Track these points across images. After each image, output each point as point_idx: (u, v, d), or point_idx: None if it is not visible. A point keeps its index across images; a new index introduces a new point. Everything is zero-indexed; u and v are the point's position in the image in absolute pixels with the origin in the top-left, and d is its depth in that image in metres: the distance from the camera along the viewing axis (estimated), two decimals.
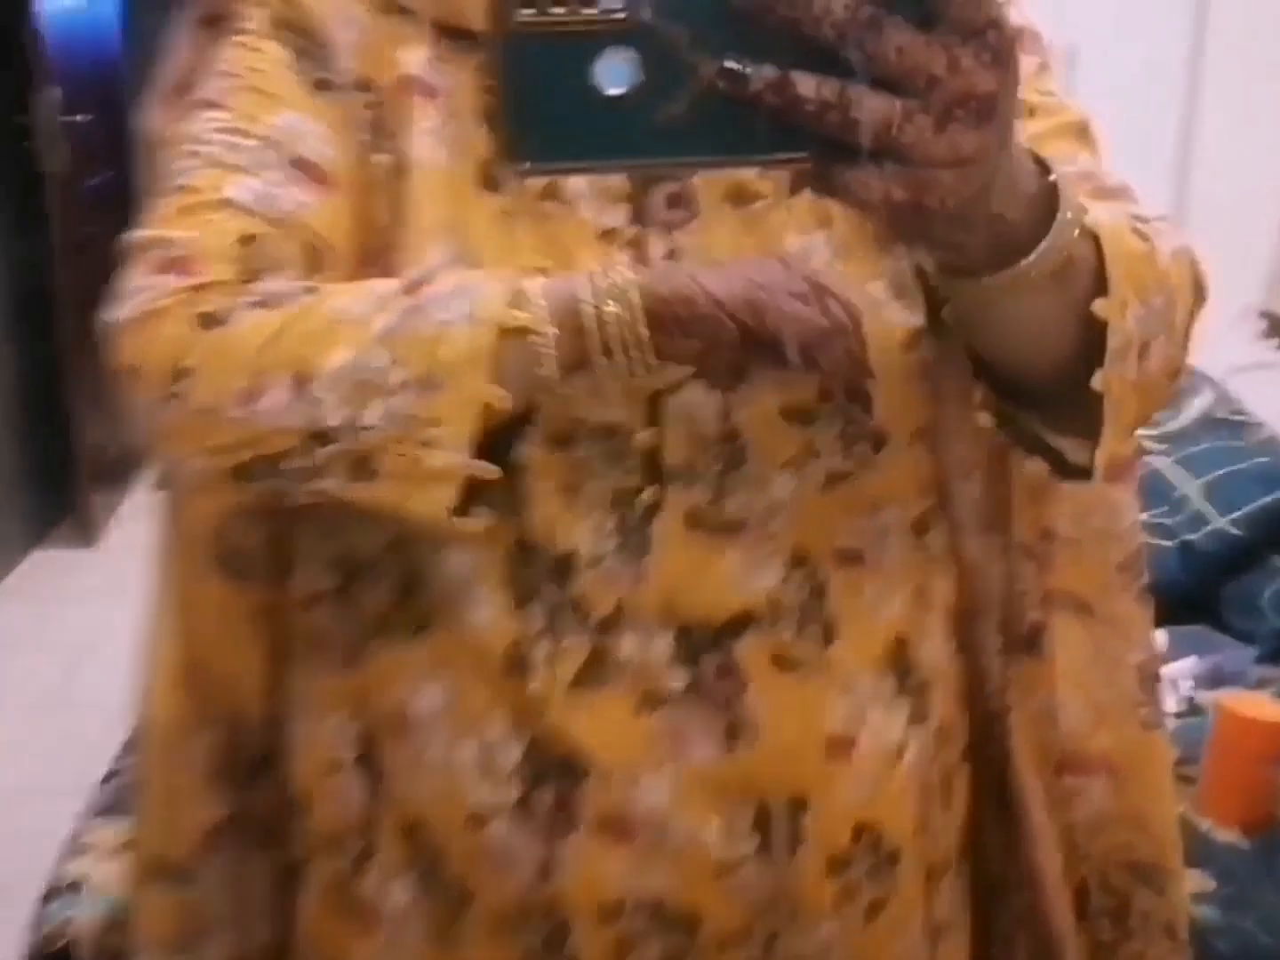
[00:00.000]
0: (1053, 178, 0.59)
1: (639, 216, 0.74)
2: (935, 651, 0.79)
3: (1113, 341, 0.63)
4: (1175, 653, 1.87)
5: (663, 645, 0.73)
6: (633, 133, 0.49)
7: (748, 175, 0.73)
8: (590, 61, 0.49)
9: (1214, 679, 1.89)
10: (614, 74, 0.49)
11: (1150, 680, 0.86)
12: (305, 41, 0.76)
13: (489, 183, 0.74)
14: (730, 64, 0.48)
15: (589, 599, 0.73)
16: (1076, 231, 0.59)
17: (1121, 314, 0.63)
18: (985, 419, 0.73)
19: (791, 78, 0.48)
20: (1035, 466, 0.77)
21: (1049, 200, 0.59)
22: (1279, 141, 2.49)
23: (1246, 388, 2.23)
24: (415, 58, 0.75)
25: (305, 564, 0.81)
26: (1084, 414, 0.65)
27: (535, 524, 0.72)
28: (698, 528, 0.72)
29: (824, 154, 0.51)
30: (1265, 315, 2.38)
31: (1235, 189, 2.56)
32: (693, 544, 0.73)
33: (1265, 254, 2.45)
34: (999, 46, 0.50)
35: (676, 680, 0.73)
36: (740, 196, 0.74)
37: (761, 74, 0.48)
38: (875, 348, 0.69)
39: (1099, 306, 0.63)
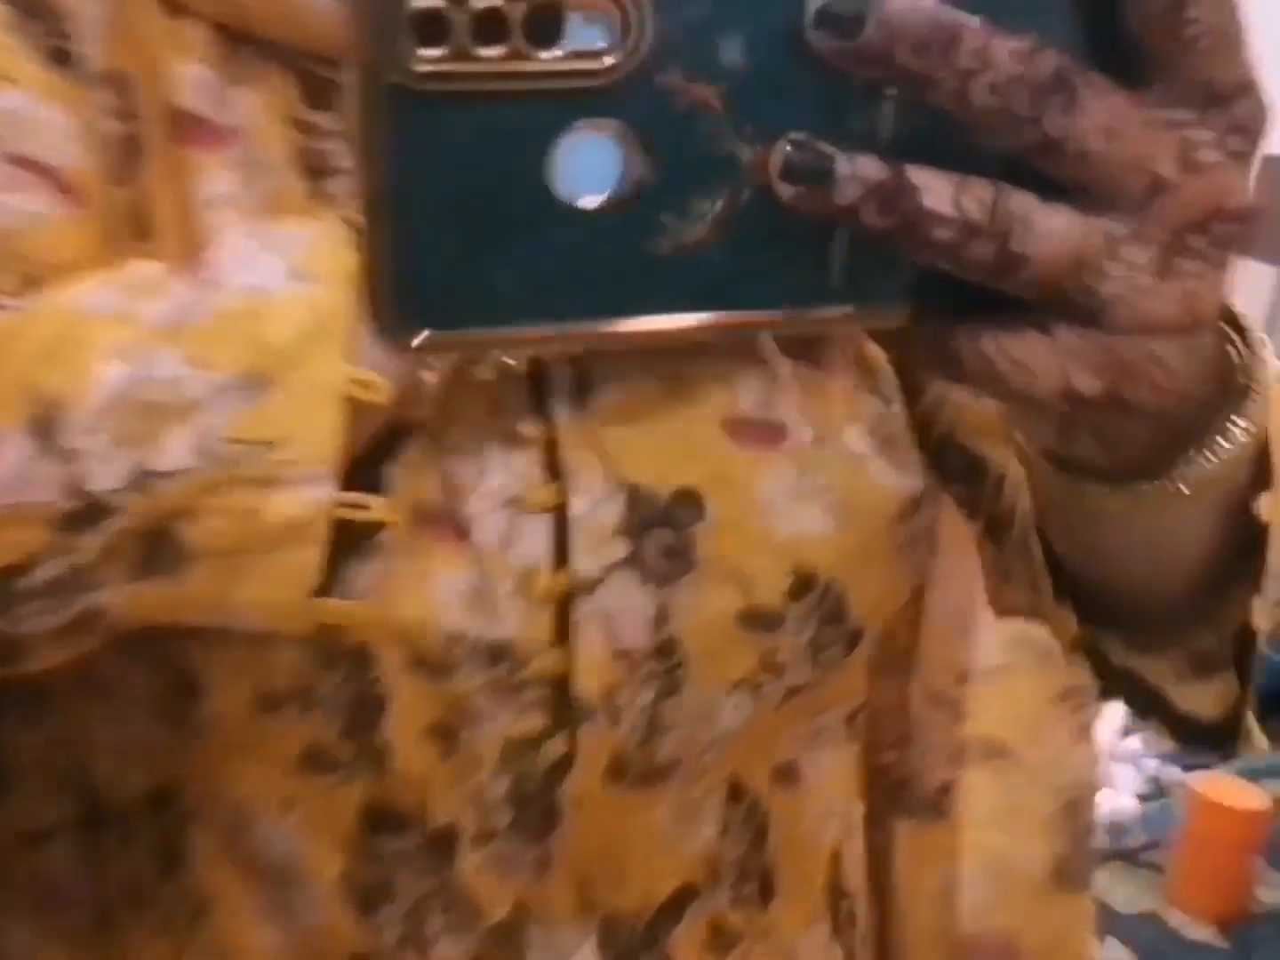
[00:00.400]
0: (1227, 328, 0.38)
1: None
2: (856, 855, 0.65)
3: (1275, 557, 0.43)
4: (1135, 724, 1.72)
5: (585, 955, 0.53)
6: (615, 275, 0.29)
7: None
8: (545, 146, 0.28)
9: (1176, 754, 1.74)
10: (585, 169, 0.28)
11: (1079, 829, 0.71)
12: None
13: None
14: (800, 149, 0.28)
15: (474, 895, 0.52)
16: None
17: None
18: (1078, 664, 0.53)
19: (909, 177, 0.28)
20: (955, 602, 0.63)
21: (1220, 361, 0.38)
22: None
23: None
24: (190, 78, 0.49)
25: (27, 781, 0.55)
26: (1188, 636, 0.47)
27: (395, 786, 0.50)
28: (620, 780, 0.52)
29: (947, 309, 0.30)
30: None
31: None
32: (615, 805, 0.53)
33: None
34: (1252, 126, 0.30)
35: None
36: None
37: (856, 170, 0.28)
38: (858, 521, 0.52)
39: (1265, 509, 0.43)
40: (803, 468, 0.52)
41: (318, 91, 0.50)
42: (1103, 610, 0.48)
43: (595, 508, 0.50)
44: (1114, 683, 0.51)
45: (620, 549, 0.50)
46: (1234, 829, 1.63)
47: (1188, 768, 1.74)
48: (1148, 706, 0.50)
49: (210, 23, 0.49)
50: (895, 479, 0.54)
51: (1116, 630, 0.49)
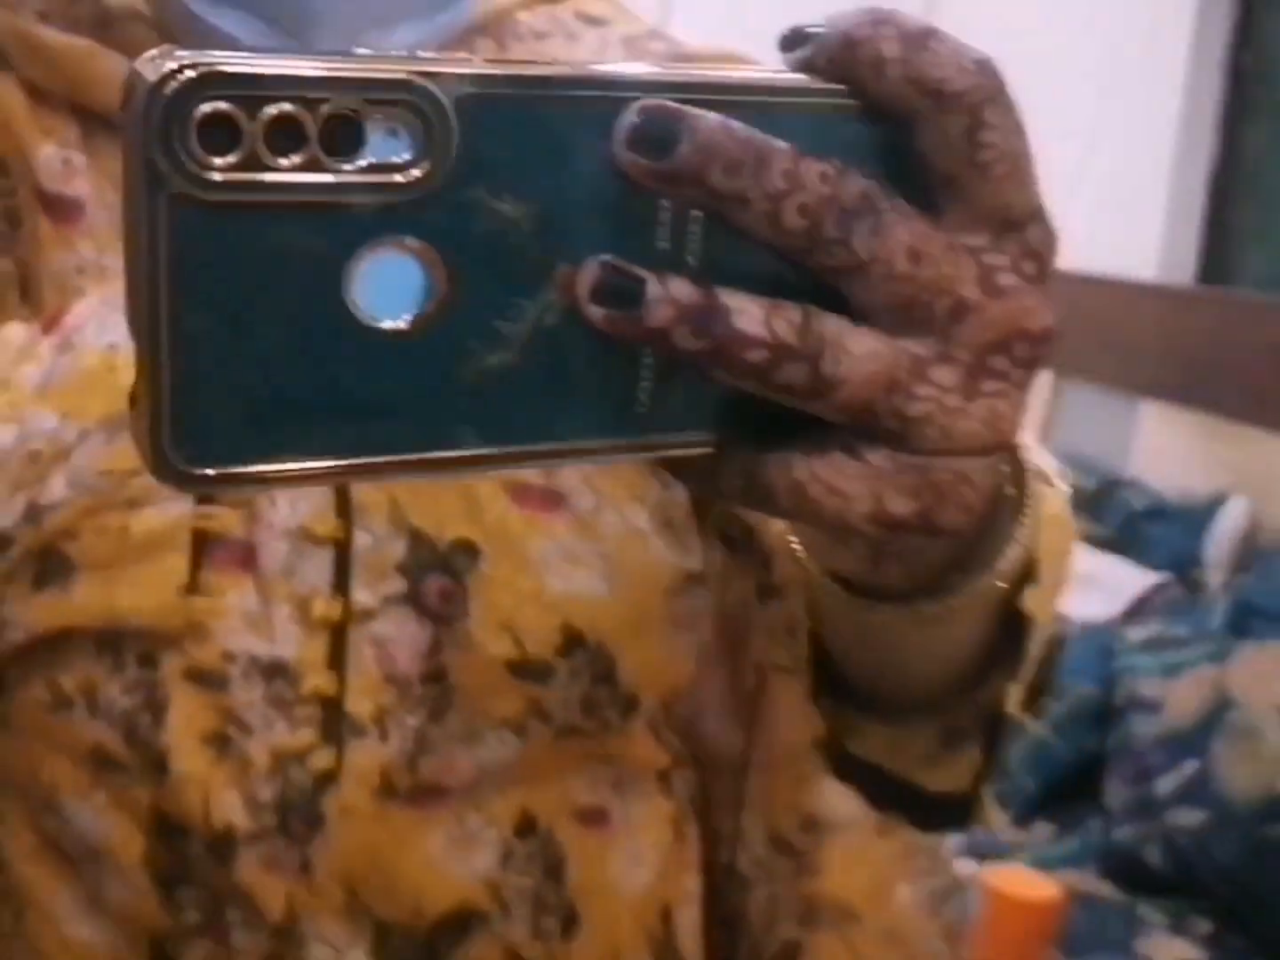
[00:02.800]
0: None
1: None
2: (692, 919, 0.66)
3: (1033, 646, 0.45)
4: None
5: (357, 958, 0.55)
6: (419, 403, 0.27)
7: None
8: (344, 263, 0.26)
9: (970, 847, 1.75)
10: (388, 289, 0.26)
11: None
12: None
13: None
14: (609, 271, 0.28)
15: (253, 894, 0.54)
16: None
17: (1046, 607, 0.46)
18: (815, 755, 0.55)
19: (720, 299, 0.28)
20: (798, 744, 0.63)
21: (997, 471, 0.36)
22: None
23: None
24: (49, 157, 0.55)
25: None
26: (943, 713, 0.48)
27: (177, 789, 0.54)
28: (391, 797, 0.55)
29: (754, 436, 0.30)
30: None
31: None
32: (383, 820, 0.55)
33: None
34: (1044, 251, 0.31)
35: None
36: None
37: (667, 292, 0.28)
38: (631, 590, 0.55)
39: (1033, 602, 0.44)
40: (579, 532, 0.53)
41: None
42: (861, 697, 0.49)
43: (378, 545, 0.53)
44: (858, 778, 0.53)
45: (399, 585, 0.53)
46: (1028, 920, 1.67)
47: (980, 859, 1.72)
48: (889, 799, 0.53)
49: (68, 106, 0.55)
50: (672, 555, 0.56)
51: (872, 712, 0.50)
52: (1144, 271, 2.64)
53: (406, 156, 0.25)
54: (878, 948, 0.67)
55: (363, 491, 0.52)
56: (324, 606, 0.52)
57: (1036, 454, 0.46)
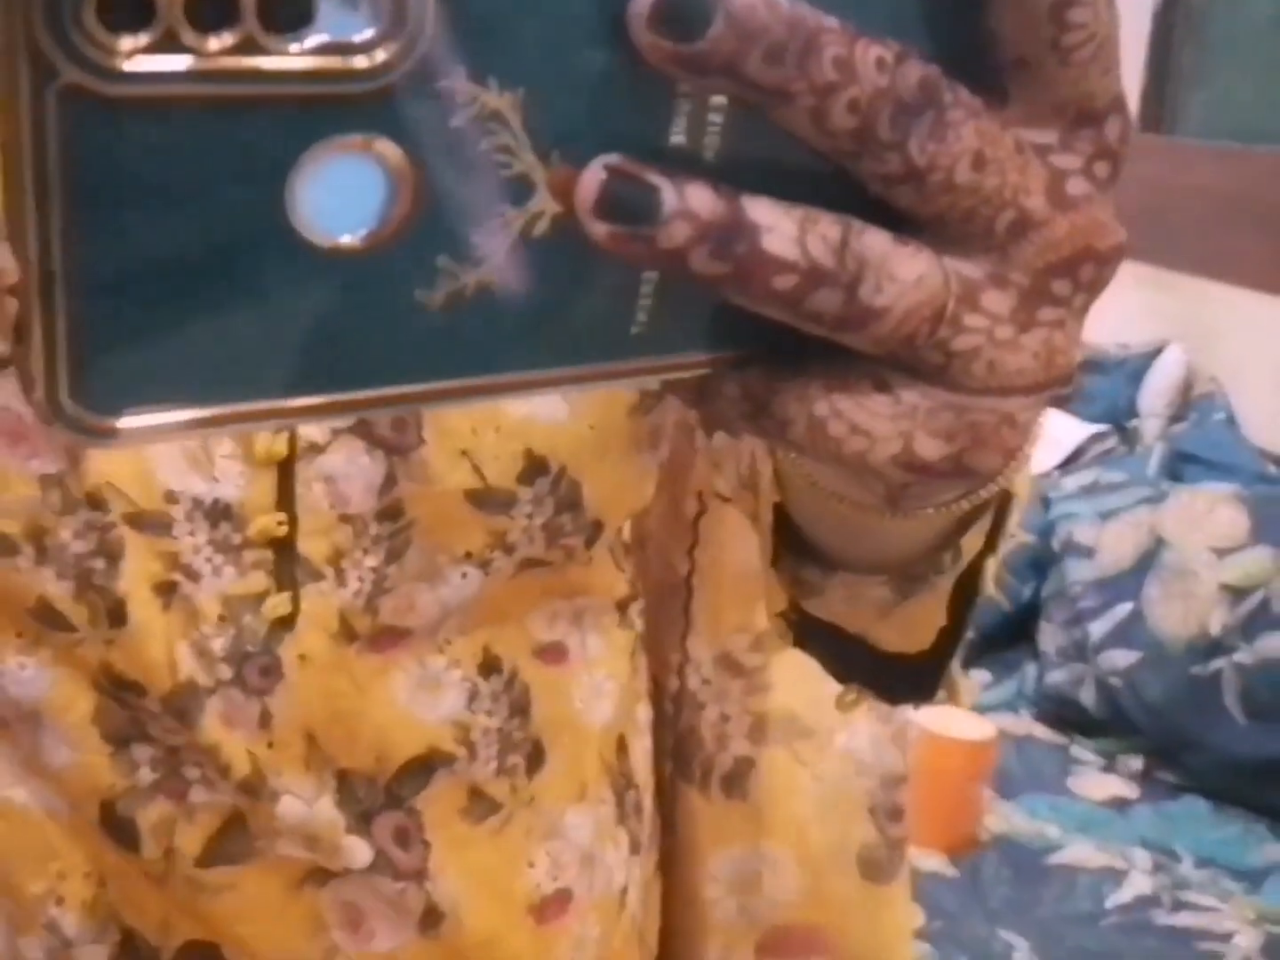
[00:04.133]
0: None
1: None
2: (644, 749, 0.65)
3: (1014, 522, 0.44)
4: None
5: (325, 808, 0.54)
6: (377, 333, 0.22)
7: None
8: (286, 168, 0.21)
9: None
10: (339, 198, 0.21)
11: (887, 813, 0.70)
12: None
13: None
14: (619, 177, 0.22)
15: (218, 749, 0.52)
16: None
17: (1024, 478, 0.44)
18: (776, 624, 0.53)
19: (747, 217, 0.23)
20: (748, 563, 0.62)
21: None
22: None
23: None
24: None
25: None
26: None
27: (132, 643, 0.51)
28: (350, 642, 0.53)
29: (762, 352, 0.25)
30: None
31: None
32: (343, 667, 0.53)
33: None
34: (1120, 149, 0.26)
35: (354, 854, 0.55)
36: None
37: (686, 204, 0.22)
38: (593, 411, 0.52)
39: (1021, 485, 0.43)
40: None
41: None
42: (823, 559, 0.47)
43: None
44: (814, 642, 0.51)
45: None
46: (960, 760, 1.69)
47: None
48: (850, 665, 0.50)
49: None
50: None
51: (832, 571, 0.47)
52: None
53: (369, 34, 0.20)
54: (826, 759, 0.67)
55: None
56: (268, 441, 0.49)
57: None
